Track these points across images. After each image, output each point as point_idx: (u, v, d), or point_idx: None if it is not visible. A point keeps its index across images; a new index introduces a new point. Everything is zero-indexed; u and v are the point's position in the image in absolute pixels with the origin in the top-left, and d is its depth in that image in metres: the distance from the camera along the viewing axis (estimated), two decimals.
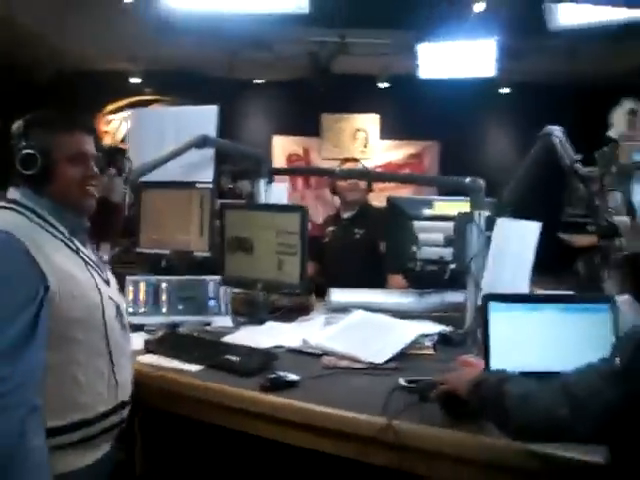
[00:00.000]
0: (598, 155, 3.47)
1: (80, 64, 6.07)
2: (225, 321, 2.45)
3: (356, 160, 4.04)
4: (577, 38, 5.74)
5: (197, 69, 6.01)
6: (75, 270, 1.58)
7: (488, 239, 2.26)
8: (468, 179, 2.29)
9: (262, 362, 1.92)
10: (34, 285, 1.45)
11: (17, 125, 1.64)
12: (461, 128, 6.78)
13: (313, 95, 6.08)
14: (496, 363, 1.82)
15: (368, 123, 7.22)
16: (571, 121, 6.67)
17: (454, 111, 6.44)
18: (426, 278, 2.48)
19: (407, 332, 2.21)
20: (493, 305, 1.90)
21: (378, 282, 3.00)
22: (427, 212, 2.64)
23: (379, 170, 6.70)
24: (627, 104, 3.83)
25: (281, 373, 1.81)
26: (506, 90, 6.51)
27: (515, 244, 2.30)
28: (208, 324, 2.42)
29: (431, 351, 2.20)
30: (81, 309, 1.55)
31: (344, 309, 2.49)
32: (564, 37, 5.78)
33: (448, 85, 6.04)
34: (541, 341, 1.88)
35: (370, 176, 3.19)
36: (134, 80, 6.39)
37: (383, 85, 6.66)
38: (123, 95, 6.25)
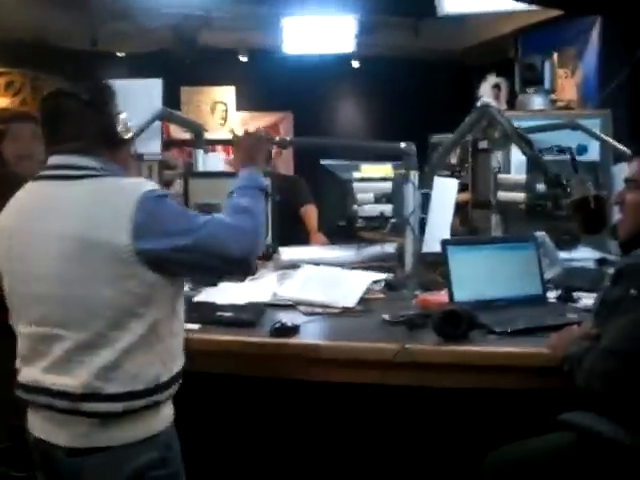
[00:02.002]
0: None
1: None
2: None
3: None
4: (420, 16, 6.32)
5: (56, 41, 5.75)
6: None
7: (423, 195, 2.62)
8: (403, 144, 2.62)
9: (256, 314, 2.12)
10: None
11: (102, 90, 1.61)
12: (314, 99, 7.13)
13: (174, 68, 6.09)
14: (458, 295, 2.19)
15: (226, 95, 7.33)
16: (415, 92, 7.28)
17: (308, 83, 6.77)
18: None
19: (360, 279, 2.50)
20: (450, 248, 2.26)
21: (300, 243, 3.24)
22: (355, 175, 2.94)
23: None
24: (492, 79, 4.41)
25: (283, 320, 2.03)
26: (356, 64, 6.95)
27: (442, 198, 2.69)
28: None
29: (382, 295, 2.53)
30: None
31: (292, 265, 2.74)
32: (408, 14, 6.33)
33: (303, 59, 6.37)
34: (488, 274, 2.28)
35: (307, 143, 3.41)
36: None
37: (243, 58, 6.82)
38: None
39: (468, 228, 3.60)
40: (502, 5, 4.36)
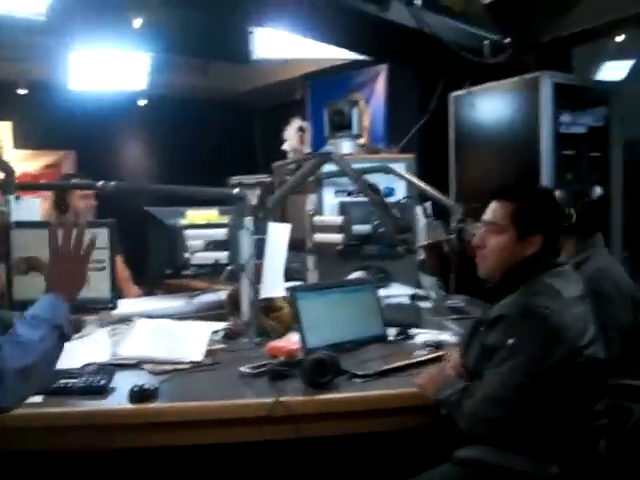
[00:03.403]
0: (276, 166, 4.07)
1: None
2: None
3: None
4: (209, 57, 6.36)
5: None
6: None
7: (258, 241, 2.60)
8: (236, 190, 2.60)
9: (105, 379, 1.94)
10: None
11: None
12: (99, 137, 6.79)
13: None
14: (310, 341, 2.21)
15: (1, 131, 6.68)
16: (204, 132, 7.29)
17: (92, 120, 6.44)
18: None
19: (200, 330, 2.42)
20: (299, 295, 2.28)
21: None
22: (182, 221, 2.85)
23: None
24: (296, 122, 4.55)
25: (140, 383, 1.88)
26: (145, 102, 6.77)
27: (275, 243, 2.70)
28: None
29: (223, 345, 2.45)
30: None
31: (122, 320, 2.57)
32: (198, 55, 6.34)
33: (90, 95, 6.06)
34: (335, 318, 2.34)
35: (137, 188, 3.21)
36: None
37: (23, 91, 6.27)
38: None
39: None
40: (308, 53, 4.55)
